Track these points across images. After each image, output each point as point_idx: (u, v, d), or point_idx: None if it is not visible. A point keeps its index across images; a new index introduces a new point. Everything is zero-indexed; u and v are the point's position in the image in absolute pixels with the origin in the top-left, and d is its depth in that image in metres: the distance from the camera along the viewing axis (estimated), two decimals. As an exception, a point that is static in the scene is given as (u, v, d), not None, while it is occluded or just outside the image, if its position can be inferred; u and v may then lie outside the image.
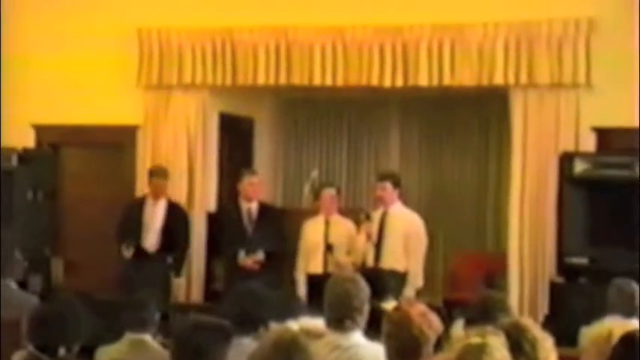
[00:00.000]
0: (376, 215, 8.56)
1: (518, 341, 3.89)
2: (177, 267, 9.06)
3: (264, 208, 9.00)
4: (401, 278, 8.34)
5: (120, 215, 8.97)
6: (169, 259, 9.00)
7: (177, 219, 9.04)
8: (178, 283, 9.16)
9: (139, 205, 9.02)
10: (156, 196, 9.00)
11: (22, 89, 9.87)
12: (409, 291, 8.30)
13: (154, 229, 8.94)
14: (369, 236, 8.45)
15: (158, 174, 9.07)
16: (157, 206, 8.99)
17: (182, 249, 9.09)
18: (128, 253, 8.73)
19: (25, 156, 9.52)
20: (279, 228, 8.95)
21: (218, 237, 9.18)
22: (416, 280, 8.42)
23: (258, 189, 9.02)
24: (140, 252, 8.82)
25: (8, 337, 4.89)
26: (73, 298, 5.40)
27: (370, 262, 8.45)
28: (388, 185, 8.54)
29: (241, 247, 8.77)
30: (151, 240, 8.92)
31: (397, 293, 7.99)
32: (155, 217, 8.96)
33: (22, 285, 7.59)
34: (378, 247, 8.46)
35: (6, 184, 9.24)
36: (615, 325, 4.36)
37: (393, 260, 8.38)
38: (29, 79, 9.86)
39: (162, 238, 8.94)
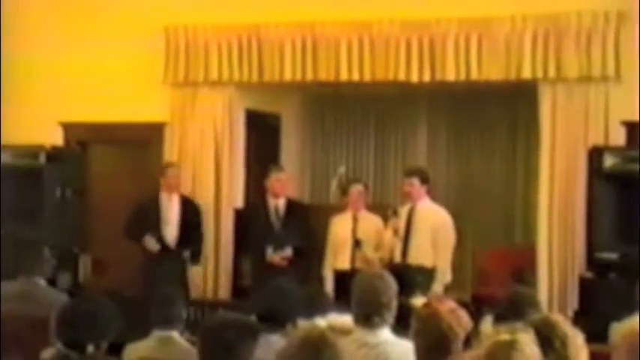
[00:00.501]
0: (404, 211, 8.53)
1: (548, 338, 3.86)
2: (196, 256, 9.11)
3: (291, 205, 8.99)
4: (429, 274, 8.31)
5: (131, 212, 8.96)
6: (186, 254, 9.03)
7: (191, 213, 9.11)
8: (196, 274, 9.16)
9: (154, 201, 9.03)
10: (171, 189, 9.01)
11: (50, 87, 9.92)
12: (437, 287, 8.26)
13: (173, 224, 8.99)
14: (395, 232, 8.42)
15: (172, 165, 9.15)
16: (172, 201, 9.04)
17: (198, 241, 9.15)
18: (153, 244, 8.74)
19: (53, 154, 9.56)
20: (307, 224, 8.93)
21: (245, 233, 9.18)
22: (444, 275, 8.38)
23: (286, 185, 9.02)
24: (163, 247, 8.85)
25: (38, 335, 4.90)
26: (101, 295, 5.40)
27: (398, 257, 8.42)
28: (415, 181, 8.51)
29: (269, 244, 8.77)
30: (171, 234, 8.96)
31: (425, 289, 7.97)
32: (171, 211, 9.02)
33: (51, 283, 7.61)
34: (406, 242, 8.42)
35: (35, 183, 9.28)
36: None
37: (420, 256, 8.35)
38: (57, 77, 9.90)
39: (180, 233, 8.97)
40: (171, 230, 8.97)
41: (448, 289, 8.32)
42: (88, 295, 7.63)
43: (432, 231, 8.40)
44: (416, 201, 8.50)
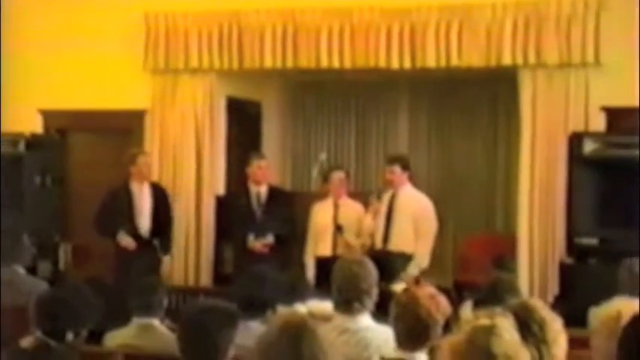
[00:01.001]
0: (385, 197, 8.54)
1: (526, 322, 3.86)
2: (166, 245, 9.00)
3: (273, 192, 8.98)
4: (408, 260, 8.33)
5: (101, 203, 8.81)
6: (155, 242, 8.91)
7: (161, 200, 8.98)
8: (166, 262, 9.11)
9: (124, 193, 8.85)
10: (142, 178, 8.86)
11: (29, 75, 9.87)
12: (413, 269, 8.30)
13: (145, 215, 8.85)
14: (375, 215, 8.43)
15: (143, 153, 9.02)
16: (143, 191, 8.89)
17: (168, 228, 9.03)
18: (129, 241, 8.65)
19: (32, 142, 9.51)
20: (288, 211, 8.93)
21: (227, 221, 9.16)
22: (422, 260, 8.40)
23: (267, 172, 9.00)
24: (136, 237, 8.72)
25: (17, 323, 4.88)
26: (80, 283, 5.39)
27: (379, 244, 8.43)
28: (397, 168, 8.53)
29: (250, 231, 8.76)
30: (144, 226, 8.84)
31: (405, 275, 8.00)
32: (143, 201, 8.86)
33: (31, 271, 7.60)
34: (387, 229, 8.44)
35: (14, 170, 9.24)
36: (624, 306, 4.32)
37: (401, 242, 8.37)
38: (35, 64, 9.85)
39: (152, 223, 8.88)
40: (144, 221, 8.83)
41: (428, 275, 8.33)
42: (66, 283, 7.62)
43: (414, 218, 8.41)
44: (397, 188, 8.51)
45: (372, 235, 8.50)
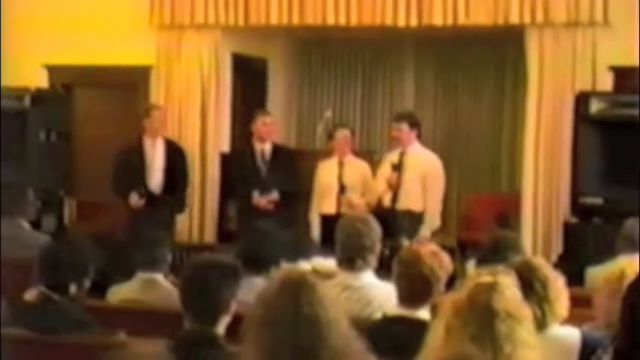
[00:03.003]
0: (394, 156, 8.50)
1: (529, 280, 3.88)
2: (180, 203, 9.01)
3: (277, 149, 8.96)
4: (415, 218, 8.32)
5: (115, 164, 8.79)
6: (169, 199, 8.90)
7: (176, 157, 8.95)
8: (182, 219, 9.14)
9: (137, 149, 8.84)
10: (155, 133, 8.83)
11: (34, 29, 9.82)
12: (425, 231, 8.28)
13: (157, 169, 8.82)
14: (390, 184, 8.39)
15: (157, 107, 8.98)
16: (156, 146, 8.86)
17: (183, 186, 9.03)
18: (140, 201, 8.65)
19: (37, 96, 9.48)
20: (293, 168, 8.91)
21: (231, 178, 9.16)
22: (433, 220, 8.38)
23: (272, 129, 8.97)
24: (148, 194, 8.72)
25: (20, 277, 4.90)
26: (81, 235, 5.41)
27: (387, 202, 8.41)
28: (404, 126, 8.47)
29: (255, 188, 8.74)
30: (156, 180, 8.81)
31: (411, 234, 7.99)
32: (156, 157, 8.83)
33: (35, 225, 7.62)
34: (396, 187, 8.41)
35: (19, 125, 9.21)
36: (627, 264, 4.32)
37: (410, 201, 8.35)
38: (41, 19, 9.80)
39: (165, 179, 8.86)
40: (156, 176, 8.80)
41: (434, 234, 8.34)
42: (67, 236, 7.63)
43: (422, 176, 8.38)
44: (406, 146, 8.46)
45: (378, 195, 8.47)
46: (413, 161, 8.41)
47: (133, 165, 8.76)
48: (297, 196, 8.87)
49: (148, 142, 8.88)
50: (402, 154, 8.45)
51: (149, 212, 8.59)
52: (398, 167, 8.36)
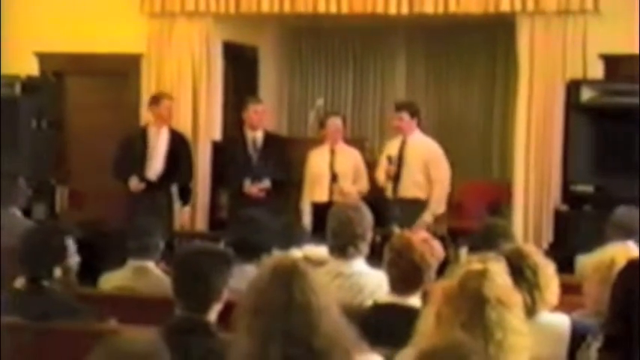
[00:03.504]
0: (395, 144, 8.53)
1: (519, 267, 3.89)
2: (186, 196, 9.05)
3: (269, 137, 8.95)
4: (422, 206, 8.35)
5: (118, 148, 8.79)
6: (173, 189, 8.95)
7: (181, 147, 8.93)
8: (183, 212, 9.17)
9: (141, 136, 8.85)
10: (163, 122, 8.84)
11: (25, 17, 9.78)
12: (427, 216, 8.33)
13: (158, 157, 8.79)
14: (388, 175, 8.42)
15: (166, 96, 8.95)
16: (161, 134, 8.85)
17: (189, 177, 9.04)
18: (136, 184, 8.64)
19: (28, 84, 9.45)
20: (285, 156, 8.91)
21: (223, 166, 9.15)
22: (437, 205, 8.42)
23: (263, 117, 8.97)
24: (147, 182, 8.72)
25: (10, 264, 4.91)
26: (59, 222, 5.42)
27: (389, 191, 8.43)
28: (405, 115, 8.50)
29: (246, 176, 8.74)
30: (155, 168, 8.78)
31: (403, 221, 8.00)
32: (159, 144, 8.82)
33: (27, 213, 7.61)
34: (398, 175, 8.43)
35: (10, 113, 9.18)
36: (617, 252, 4.34)
37: (412, 189, 8.39)
38: (32, 6, 9.77)
39: (166, 166, 8.84)
40: (155, 164, 8.77)
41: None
42: (44, 224, 7.61)
43: (424, 163, 8.42)
44: (407, 135, 8.49)
45: (383, 187, 8.50)
46: (414, 149, 8.45)
47: (135, 151, 8.76)
48: (289, 184, 8.87)
49: (152, 130, 8.88)
50: (403, 143, 8.48)
51: (147, 199, 8.58)
52: (393, 159, 8.39)
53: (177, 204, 9.10)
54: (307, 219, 8.57)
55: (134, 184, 8.63)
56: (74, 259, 4.64)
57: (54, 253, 4.56)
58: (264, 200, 8.58)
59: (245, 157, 8.82)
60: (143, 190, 8.66)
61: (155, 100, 8.91)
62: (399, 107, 8.67)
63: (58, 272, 4.53)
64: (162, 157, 8.83)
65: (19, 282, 4.53)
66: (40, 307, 4.40)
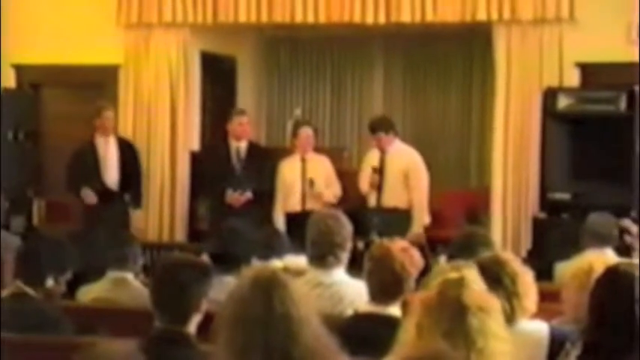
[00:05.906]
0: (376, 154, 8.57)
1: (497, 275, 3.90)
2: (137, 198, 9.09)
3: (253, 148, 8.95)
4: (403, 215, 8.37)
5: (69, 161, 8.87)
6: (126, 197, 8.99)
7: (129, 155, 9.03)
8: (138, 216, 9.17)
9: (89, 148, 8.91)
10: (107, 132, 8.91)
11: (2, 29, 9.75)
12: (416, 228, 8.37)
13: (112, 166, 8.90)
14: (372, 185, 8.44)
15: (107, 107, 9.00)
16: (109, 144, 8.93)
17: (138, 182, 9.09)
18: (91, 197, 8.66)
19: (5, 96, 9.42)
20: (267, 167, 8.90)
21: (202, 176, 9.14)
22: (422, 216, 8.47)
23: (248, 129, 8.99)
24: (104, 191, 8.76)
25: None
26: (55, 234, 5.40)
27: (373, 201, 8.45)
28: (381, 135, 8.55)
29: (229, 186, 8.73)
30: (112, 178, 8.88)
31: (397, 231, 7.99)
32: (109, 155, 8.91)
33: (4, 226, 7.58)
34: (379, 186, 8.45)
35: (-14, 125, 9.16)
36: (595, 259, 4.36)
37: (394, 198, 8.42)
38: (8, 18, 9.73)
39: (121, 175, 8.91)
40: (111, 174, 8.87)
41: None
42: (41, 234, 7.61)
43: (404, 172, 8.47)
44: (387, 148, 8.53)
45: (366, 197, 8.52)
46: (393, 158, 8.52)
47: (86, 163, 8.82)
48: (271, 194, 8.86)
49: (100, 141, 8.94)
50: (383, 154, 8.52)
51: (106, 209, 8.61)
52: (379, 169, 8.44)
53: (133, 214, 9.12)
54: (280, 229, 8.56)
55: (89, 196, 8.65)
56: (67, 276, 4.64)
57: (53, 263, 4.57)
58: (245, 210, 8.57)
59: (228, 168, 8.81)
60: (102, 200, 8.69)
61: (97, 112, 8.95)
62: (374, 129, 8.67)
63: (50, 282, 4.52)
64: (116, 166, 8.91)
65: (6, 292, 4.51)
66: (22, 320, 4.38)
